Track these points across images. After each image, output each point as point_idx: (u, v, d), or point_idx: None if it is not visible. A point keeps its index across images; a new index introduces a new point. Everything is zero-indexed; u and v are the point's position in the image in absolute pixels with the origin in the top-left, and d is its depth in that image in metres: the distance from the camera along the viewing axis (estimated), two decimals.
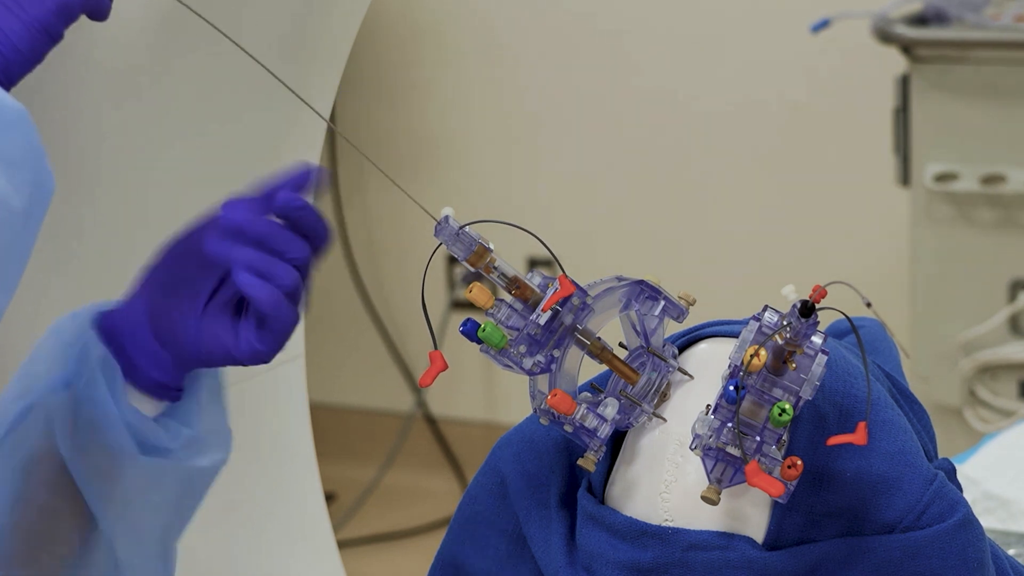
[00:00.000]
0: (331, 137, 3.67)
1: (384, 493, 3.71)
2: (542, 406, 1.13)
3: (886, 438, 1.13)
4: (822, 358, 1.08)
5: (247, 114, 1.62)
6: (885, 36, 2.87)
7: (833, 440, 1.06)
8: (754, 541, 1.11)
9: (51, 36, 1.09)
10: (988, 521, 1.74)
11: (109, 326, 1.21)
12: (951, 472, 1.18)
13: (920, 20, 2.90)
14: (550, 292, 1.12)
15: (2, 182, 1.01)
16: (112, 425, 1.18)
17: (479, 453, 1.61)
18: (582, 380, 1.17)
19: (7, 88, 1.06)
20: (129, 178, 1.57)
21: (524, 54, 3.65)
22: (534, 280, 1.14)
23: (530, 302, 1.13)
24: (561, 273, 1.13)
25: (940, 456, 1.22)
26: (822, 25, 3.01)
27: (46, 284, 1.53)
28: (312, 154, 1.77)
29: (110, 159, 1.55)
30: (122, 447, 1.18)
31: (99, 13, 1.14)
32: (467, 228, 1.14)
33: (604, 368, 1.16)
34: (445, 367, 1.16)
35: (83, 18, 1.46)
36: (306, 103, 1.16)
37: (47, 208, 1.05)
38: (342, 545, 2.06)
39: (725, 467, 1.08)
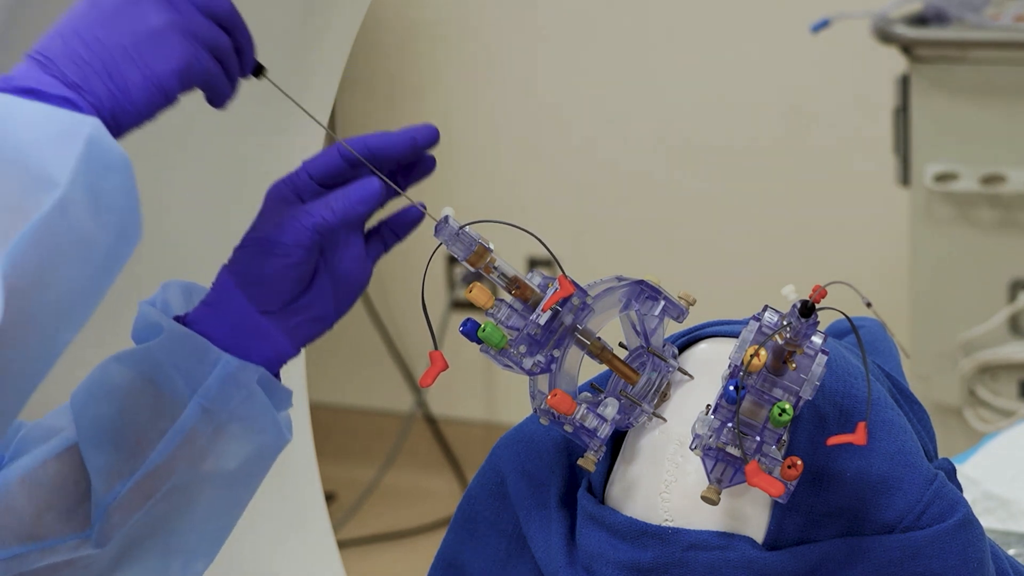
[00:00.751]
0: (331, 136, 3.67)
1: (384, 493, 3.71)
2: (542, 406, 1.13)
3: (886, 438, 1.13)
4: (822, 358, 1.08)
5: (247, 113, 1.62)
6: (885, 36, 2.87)
7: (833, 440, 1.06)
8: (754, 541, 1.11)
9: (167, 96, 1.08)
10: (988, 521, 1.74)
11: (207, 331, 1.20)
12: (951, 472, 1.18)
13: (920, 20, 2.90)
14: (550, 292, 1.12)
15: (90, 222, 1.02)
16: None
17: (479, 453, 1.61)
18: (582, 380, 1.17)
19: (115, 136, 1.06)
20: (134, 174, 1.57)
21: (524, 54, 3.65)
22: (534, 280, 1.14)
23: (530, 302, 1.13)
24: (561, 273, 1.13)
25: (940, 456, 1.22)
26: (822, 25, 3.01)
27: None
28: (313, 149, 1.77)
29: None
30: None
31: (217, 98, 1.13)
32: (467, 228, 1.14)
33: (604, 368, 1.16)
34: (446, 367, 1.16)
35: None
36: (303, 109, 1.16)
37: (129, 256, 1.06)
38: (342, 545, 2.07)
39: (725, 467, 1.08)
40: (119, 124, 1.07)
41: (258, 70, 1.15)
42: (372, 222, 1.24)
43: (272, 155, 1.69)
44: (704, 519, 1.11)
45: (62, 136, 1.01)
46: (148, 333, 1.19)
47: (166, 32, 1.07)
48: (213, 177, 1.67)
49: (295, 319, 1.19)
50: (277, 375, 1.21)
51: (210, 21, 1.10)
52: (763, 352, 1.06)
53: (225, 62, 1.11)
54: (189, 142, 1.61)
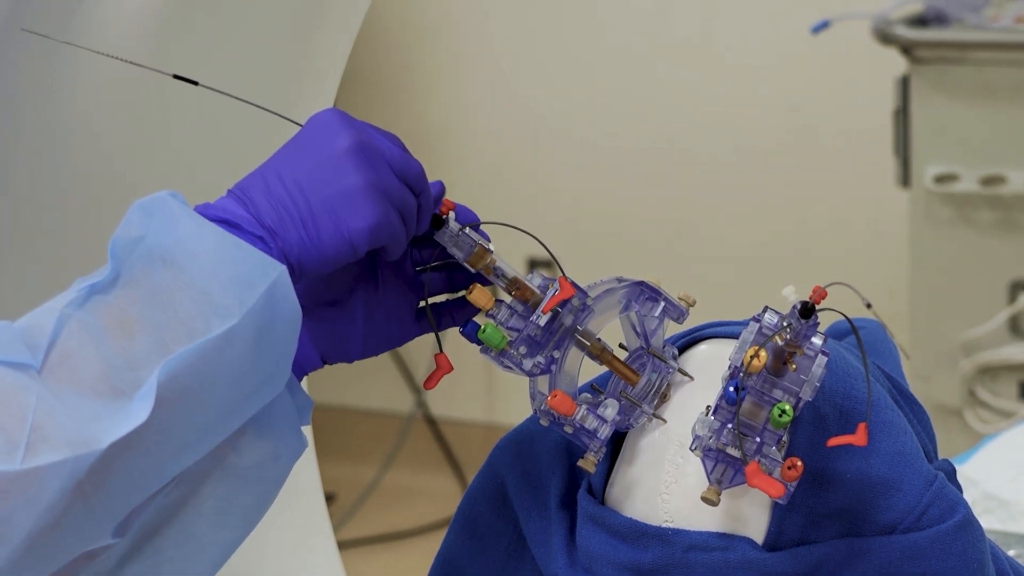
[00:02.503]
0: None
1: (384, 493, 3.71)
2: (542, 407, 1.13)
3: (886, 439, 1.13)
4: (822, 359, 1.08)
5: (246, 111, 1.62)
6: (885, 37, 2.87)
7: (833, 441, 1.06)
8: (754, 542, 1.11)
9: (355, 252, 1.09)
10: (988, 521, 1.74)
11: None
12: (951, 473, 1.18)
13: (920, 21, 2.90)
14: (550, 293, 1.12)
15: (248, 361, 1.04)
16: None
17: (479, 453, 1.61)
18: (582, 381, 1.17)
19: (295, 280, 1.08)
20: (128, 176, 1.57)
21: (524, 54, 3.65)
22: (534, 281, 1.14)
23: (530, 303, 1.13)
24: (561, 274, 1.13)
25: (940, 456, 1.22)
26: (822, 26, 3.02)
27: (43, 284, 1.53)
28: None
29: (108, 157, 1.55)
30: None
31: (392, 254, 1.13)
32: (467, 229, 1.14)
33: (604, 369, 1.16)
34: (451, 370, 1.16)
35: (86, 15, 1.47)
36: (296, 123, 1.16)
37: (263, 404, 1.07)
38: (342, 545, 2.07)
39: (725, 468, 1.08)
40: (303, 270, 1.09)
41: (437, 223, 1.15)
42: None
43: (271, 151, 1.69)
44: (704, 520, 1.11)
45: (249, 275, 1.03)
46: None
47: (362, 191, 1.09)
48: (212, 175, 1.67)
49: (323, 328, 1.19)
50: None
51: (402, 183, 1.11)
52: (763, 353, 1.06)
53: (407, 222, 1.12)
54: (188, 140, 1.61)
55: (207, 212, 1.08)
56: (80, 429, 0.99)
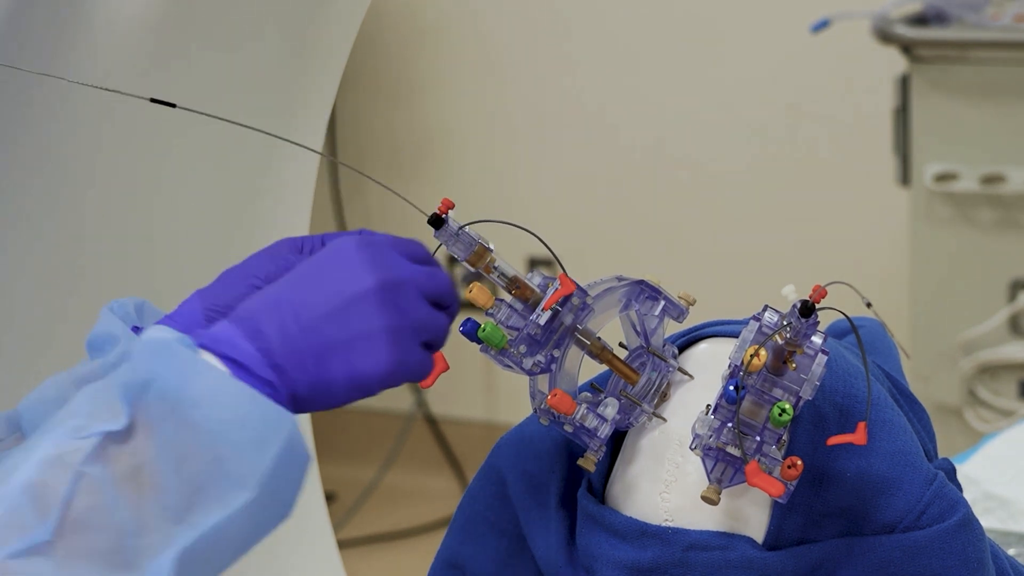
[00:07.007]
0: (331, 136, 3.67)
1: (384, 493, 3.71)
2: (542, 406, 1.13)
3: (886, 438, 1.13)
4: (822, 358, 1.08)
5: (247, 112, 1.62)
6: (885, 36, 2.87)
7: (833, 440, 1.06)
8: (754, 541, 1.11)
9: (365, 396, 1.06)
10: (988, 521, 1.74)
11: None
12: (951, 472, 1.18)
13: (920, 20, 2.90)
14: (550, 292, 1.12)
15: (262, 519, 1.00)
16: None
17: (479, 453, 1.61)
18: (582, 380, 1.17)
19: (297, 409, 1.04)
20: (128, 177, 1.57)
21: (524, 54, 3.65)
22: (534, 280, 1.14)
23: (530, 302, 1.13)
24: (561, 273, 1.13)
25: (940, 456, 1.22)
26: (822, 25, 3.01)
27: (45, 286, 1.53)
28: (307, 173, 1.77)
29: (109, 159, 1.55)
30: None
31: (412, 381, 1.10)
32: (467, 228, 1.14)
33: (604, 368, 1.16)
34: (447, 368, 1.16)
35: (86, 21, 1.47)
36: (295, 143, 1.15)
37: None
38: (342, 545, 2.07)
39: (725, 467, 1.08)
40: (305, 407, 1.05)
41: (437, 222, 1.12)
42: None
43: (272, 151, 1.69)
44: (704, 519, 1.11)
45: (264, 435, 0.99)
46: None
47: (381, 335, 1.05)
48: (213, 174, 1.67)
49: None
50: None
51: (431, 308, 1.08)
52: (763, 352, 1.06)
53: (438, 341, 1.09)
54: (189, 140, 1.61)
55: (215, 348, 1.02)
56: None
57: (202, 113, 1.19)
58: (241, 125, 1.19)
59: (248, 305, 1.04)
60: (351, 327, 1.04)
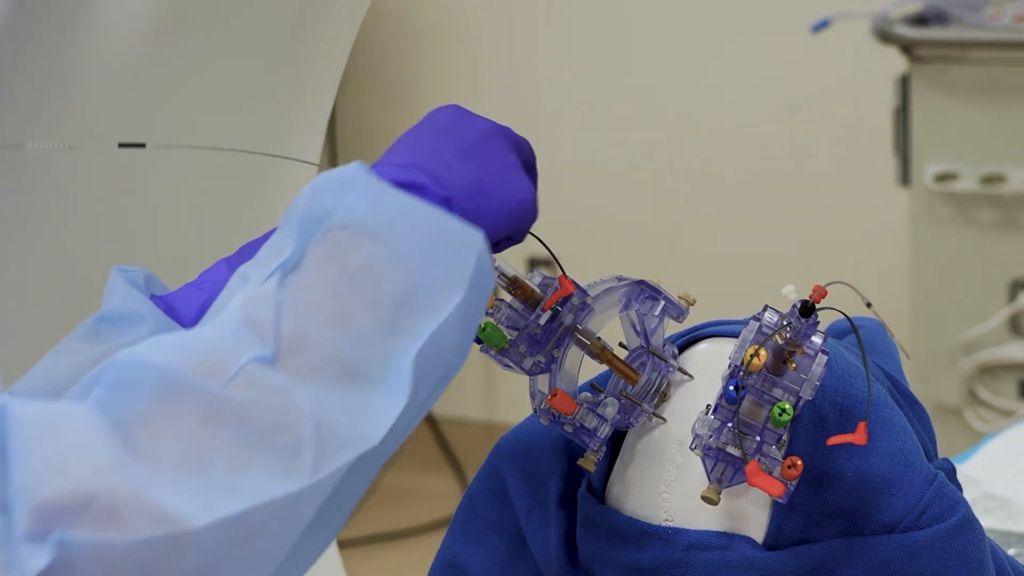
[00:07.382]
0: (331, 136, 3.67)
1: (384, 493, 3.71)
2: (542, 406, 1.13)
3: (886, 438, 1.13)
4: (822, 358, 1.08)
5: (247, 110, 1.62)
6: (885, 36, 2.87)
7: (833, 440, 1.06)
8: (754, 541, 1.11)
9: (523, 220, 1.10)
10: (988, 521, 1.74)
11: None
12: (951, 472, 1.18)
13: (920, 20, 2.90)
14: (550, 292, 1.12)
15: (455, 342, 0.99)
16: None
17: (479, 453, 1.61)
18: (582, 380, 1.17)
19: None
20: (128, 172, 1.57)
21: (524, 54, 3.65)
22: (534, 280, 1.14)
23: (530, 302, 1.13)
24: (561, 273, 1.13)
25: (940, 456, 1.22)
26: (822, 25, 3.02)
27: (43, 278, 1.53)
28: (313, 150, 1.77)
29: (109, 159, 1.55)
30: None
31: (524, 233, 1.13)
32: None
33: (604, 368, 1.16)
34: None
35: (86, 21, 1.47)
36: (293, 158, 1.15)
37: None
38: (342, 545, 2.07)
39: (725, 467, 1.08)
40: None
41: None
42: None
43: (272, 150, 1.69)
44: (704, 519, 1.11)
45: (458, 246, 0.99)
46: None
47: (519, 167, 1.11)
48: (213, 173, 1.67)
49: None
50: None
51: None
52: (763, 352, 1.06)
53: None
54: (189, 137, 1.61)
55: (392, 177, 1.03)
56: (352, 424, 0.94)
57: (177, 146, 1.18)
58: (224, 149, 1.19)
59: (397, 156, 1.07)
60: (496, 160, 1.09)
